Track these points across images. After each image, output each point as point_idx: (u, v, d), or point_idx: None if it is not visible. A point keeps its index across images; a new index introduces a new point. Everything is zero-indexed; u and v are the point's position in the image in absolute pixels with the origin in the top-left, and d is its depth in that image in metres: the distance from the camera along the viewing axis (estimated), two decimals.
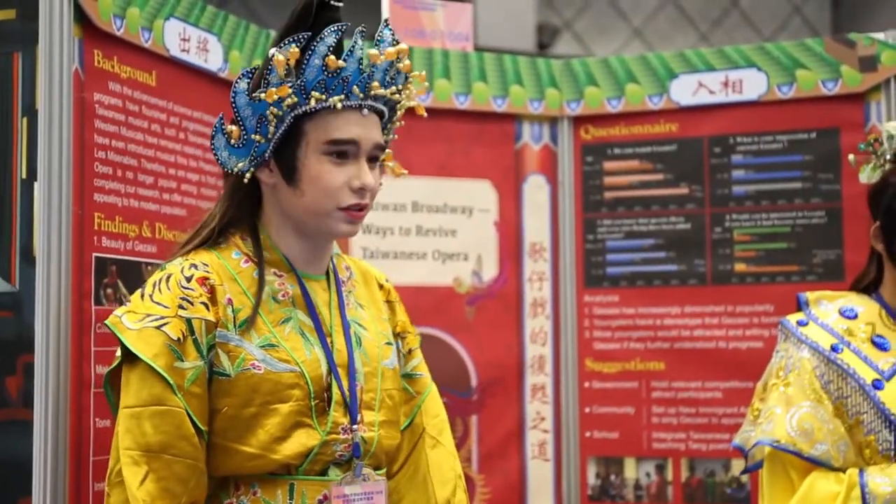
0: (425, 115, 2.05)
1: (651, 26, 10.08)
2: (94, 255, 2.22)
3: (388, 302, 2.12)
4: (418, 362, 2.13)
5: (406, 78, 1.96)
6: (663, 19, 10.13)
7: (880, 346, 2.33)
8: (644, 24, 10.06)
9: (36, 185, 2.12)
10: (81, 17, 2.22)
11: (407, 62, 1.94)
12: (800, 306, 2.44)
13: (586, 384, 3.28)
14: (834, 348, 2.32)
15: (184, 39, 2.54)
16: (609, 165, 3.33)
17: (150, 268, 2.37)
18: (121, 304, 2.27)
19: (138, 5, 2.38)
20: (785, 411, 2.30)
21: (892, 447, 2.25)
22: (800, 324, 2.39)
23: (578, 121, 3.36)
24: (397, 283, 2.59)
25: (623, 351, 3.26)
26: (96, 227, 2.24)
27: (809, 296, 2.44)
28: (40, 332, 2.09)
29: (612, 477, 3.24)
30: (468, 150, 3.26)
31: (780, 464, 2.30)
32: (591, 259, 3.32)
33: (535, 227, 3.32)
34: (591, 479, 3.26)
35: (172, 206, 2.48)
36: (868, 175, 2.42)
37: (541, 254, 3.31)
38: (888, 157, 2.39)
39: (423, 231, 3.20)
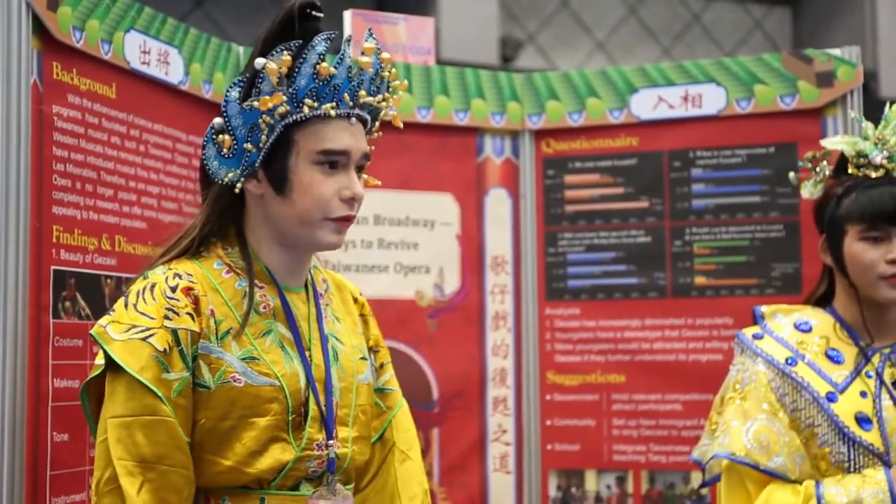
0: (401, 126, 2.04)
1: (614, 40, 10.15)
2: (53, 268, 2.21)
3: (362, 315, 2.11)
4: (390, 377, 2.13)
5: (389, 86, 1.96)
6: (626, 33, 10.20)
7: (834, 359, 2.35)
8: (607, 37, 10.12)
9: None
10: (40, 28, 2.20)
11: (393, 70, 1.95)
12: (755, 320, 2.46)
13: (547, 397, 3.29)
14: (789, 361, 2.34)
15: (144, 52, 2.54)
16: (570, 179, 3.35)
17: (109, 281, 2.36)
18: (79, 317, 2.26)
19: (98, 17, 2.37)
20: (741, 424, 2.32)
21: (846, 459, 2.27)
22: (755, 337, 2.41)
23: (540, 134, 3.37)
24: None
25: (584, 363, 3.28)
26: (55, 240, 2.22)
27: (765, 309, 2.46)
28: None
29: (573, 489, 3.25)
30: (430, 163, 3.27)
31: (738, 476, 2.32)
32: (552, 272, 3.33)
33: (497, 241, 3.33)
34: (553, 491, 3.27)
35: (132, 218, 2.47)
36: (810, 191, 2.46)
37: (502, 267, 3.32)
38: (827, 172, 2.42)
39: (385, 244, 3.20)
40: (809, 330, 2.39)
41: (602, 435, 3.25)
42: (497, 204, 3.34)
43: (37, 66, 2.20)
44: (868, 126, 2.42)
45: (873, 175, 2.35)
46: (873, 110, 2.64)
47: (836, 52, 3.14)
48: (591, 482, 3.24)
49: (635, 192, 3.30)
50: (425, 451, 3.16)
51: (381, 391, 2.10)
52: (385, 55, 1.93)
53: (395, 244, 3.21)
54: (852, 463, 2.27)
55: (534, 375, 3.30)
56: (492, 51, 8.78)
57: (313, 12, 1.89)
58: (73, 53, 2.30)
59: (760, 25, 10.80)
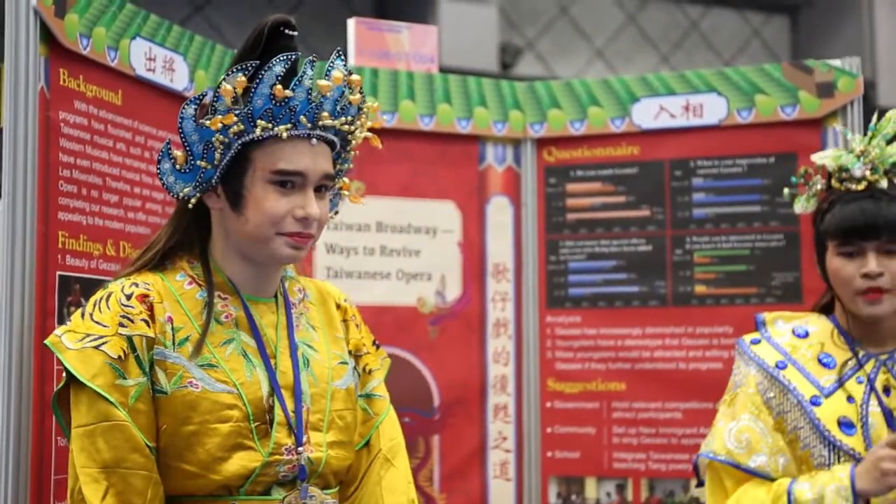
0: (380, 146, 2.06)
1: (613, 47, 10.17)
2: (58, 273, 2.22)
3: (345, 321, 2.12)
4: (377, 383, 2.14)
5: (359, 109, 1.97)
6: (625, 40, 10.22)
7: (825, 364, 2.37)
8: (606, 44, 10.15)
9: (0, 202, 2.12)
10: (47, 35, 2.22)
11: (357, 95, 1.95)
12: (756, 326, 2.48)
13: (548, 404, 3.31)
14: (778, 365, 2.37)
15: (150, 59, 2.55)
16: (572, 187, 3.37)
17: None
18: None
19: (105, 25, 2.38)
20: (726, 425, 2.37)
21: (827, 462, 2.29)
22: (752, 342, 2.45)
23: (542, 143, 3.39)
24: (361, 302, 2.61)
25: (584, 371, 3.29)
26: (60, 246, 2.24)
27: (766, 316, 2.49)
28: (2, 351, 2.09)
29: (573, 497, 3.26)
30: (432, 171, 3.28)
31: (718, 475, 2.37)
32: (553, 280, 3.34)
33: (499, 248, 3.34)
34: (553, 498, 3.28)
35: (137, 224, 2.48)
36: (803, 205, 2.47)
37: (504, 274, 3.34)
38: (819, 186, 2.44)
39: (387, 251, 3.21)
40: (806, 335, 2.41)
41: (602, 442, 3.26)
42: (498, 212, 3.36)
43: (44, 73, 2.21)
44: (855, 138, 2.43)
45: (854, 188, 2.36)
46: (871, 119, 2.65)
47: (837, 62, 3.16)
48: (591, 490, 3.25)
49: (636, 201, 3.32)
50: (426, 458, 3.18)
51: (367, 397, 2.11)
52: (354, 77, 1.94)
53: (397, 251, 3.22)
54: (832, 466, 2.29)
55: (534, 383, 3.32)
56: (491, 58, 8.80)
57: (286, 30, 1.90)
58: (79, 60, 2.31)
59: (759, 34, 10.83)
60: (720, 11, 10.58)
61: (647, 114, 3.31)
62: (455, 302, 3.28)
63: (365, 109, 1.99)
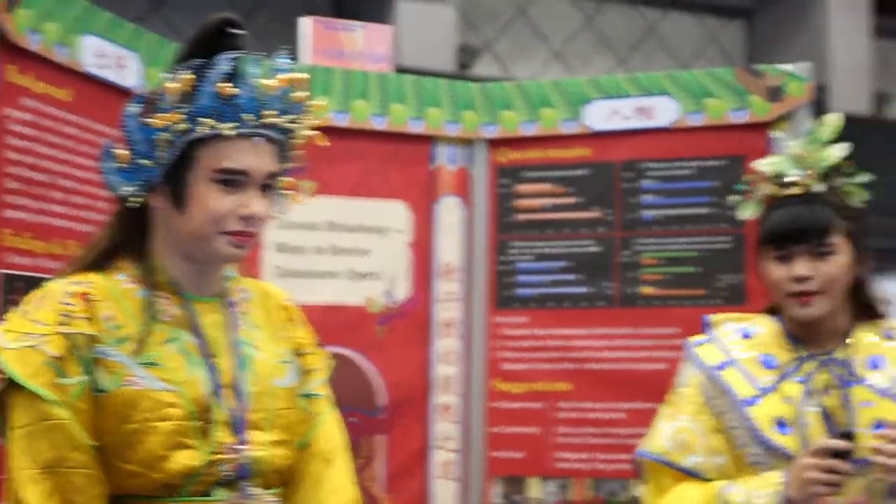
0: (326, 144, 2.06)
1: (571, 49, 10.21)
2: (3, 271, 2.21)
3: (288, 321, 2.13)
4: (319, 383, 2.14)
5: (304, 108, 1.98)
6: (583, 42, 10.27)
7: (767, 364, 2.39)
8: (564, 46, 10.19)
9: None
10: None
11: (303, 93, 1.96)
12: (704, 328, 2.51)
13: (493, 404, 3.32)
14: (720, 366, 2.40)
15: (100, 56, 2.54)
16: (522, 188, 3.39)
17: None
18: None
19: (56, 20, 2.37)
20: (665, 424, 2.40)
21: (762, 462, 2.33)
22: (698, 344, 2.47)
23: (494, 143, 3.40)
24: (310, 302, 2.62)
25: (531, 372, 3.31)
26: (5, 244, 2.22)
27: (715, 318, 2.51)
28: None
29: (516, 497, 3.28)
30: (384, 170, 3.29)
31: (656, 474, 2.39)
32: (502, 280, 3.36)
33: (448, 248, 3.36)
34: (496, 498, 3.29)
35: (84, 223, 2.47)
36: (749, 211, 2.50)
37: (453, 274, 3.35)
38: (763, 193, 2.47)
39: (336, 250, 3.22)
40: (751, 336, 2.44)
41: (547, 443, 3.28)
42: (449, 212, 3.37)
43: None
44: (792, 143, 2.47)
45: (790, 193, 2.40)
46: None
47: (787, 67, 3.20)
48: (535, 489, 3.28)
49: (586, 203, 3.34)
50: (371, 458, 3.19)
51: (308, 396, 2.11)
52: (300, 75, 1.94)
53: (346, 251, 3.23)
54: (766, 466, 2.32)
55: (481, 383, 3.33)
56: (449, 58, 8.81)
57: (232, 29, 1.91)
58: (29, 56, 2.30)
59: (716, 38, 10.92)
60: (678, 15, 10.66)
61: (599, 116, 3.34)
62: (404, 302, 3.29)
63: (310, 108, 2.00)
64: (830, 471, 2.19)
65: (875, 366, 2.37)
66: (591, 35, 10.29)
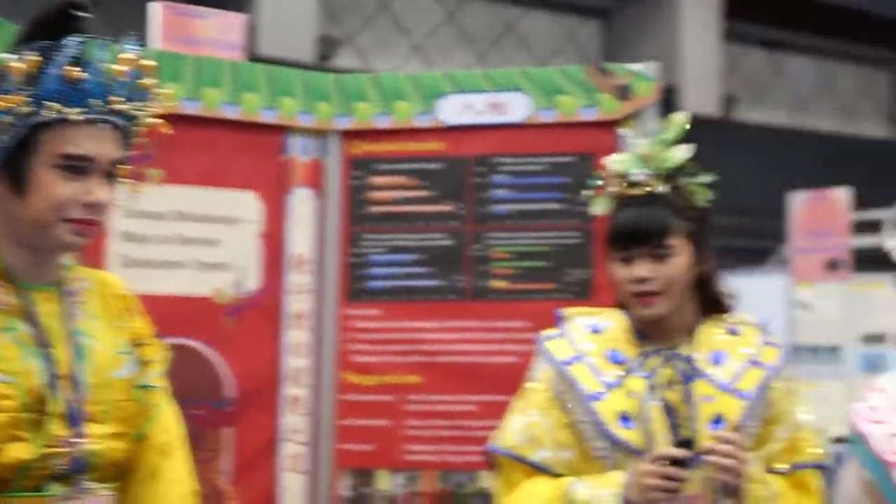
0: (173, 132, 2.02)
1: (431, 43, 10.25)
2: None
3: (126, 311, 2.09)
4: (156, 374, 2.10)
5: (149, 94, 1.94)
6: (444, 37, 10.32)
7: (614, 359, 2.44)
8: (424, 40, 10.22)
9: None
10: None
11: (150, 80, 1.92)
12: (557, 322, 2.55)
13: (343, 396, 3.31)
14: (569, 361, 2.43)
15: None
16: (376, 180, 3.38)
17: None
18: None
19: None
20: (516, 418, 2.43)
21: (607, 456, 2.37)
22: (549, 338, 2.50)
23: (347, 135, 3.38)
24: (155, 292, 2.56)
25: (382, 364, 3.30)
26: None
27: (568, 312, 2.55)
28: None
29: (365, 489, 3.27)
30: (235, 160, 3.24)
31: (507, 468, 2.42)
32: (354, 272, 3.35)
33: (300, 240, 3.32)
34: (344, 491, 3.28)
35: None
36: (601, 207, 2.54)
37: (304, 266, 3.32)
38: (613, 190, 2.52)
39: (184, 240, 3.15)
40: (600, 331, 2.48)
41: (396, 435, 3.28)
42: (301, 203, 3.34)
43: None
44: (639, 143, 2.51)
45: (633, 193, 2.45)
46: None
47: (636, 67, 3.26)
48: (383, 482, 3.27)
49: (439, 196, 3.35)
50: (218, 450, 3.14)
51: (145, 387, 2.07)
52: (146, 62, 1.91)
53: (195, 241, 3.17)
54: (612, 459, 2.37)
55: (331, 375, 3.31)
56: (309, 49, 8.76)
57: (78, 11, 1.86)
58: None
59: (574, 37, 11.09)
60: (537, 13, 10.80)
61: (453, 110, 3.35)
62: (254, 293, 3.25)
63: (158, 95, 1.96)
64: (668, 478, 2.25)
65: (717, 361, 2.43)
66: (451, 30, 10.35)
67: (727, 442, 2.29)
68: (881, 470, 2.45)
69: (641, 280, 2.37)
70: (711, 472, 2.30)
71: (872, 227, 10.62)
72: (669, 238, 2.38)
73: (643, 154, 2.47)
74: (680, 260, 2.39)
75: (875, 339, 9.08)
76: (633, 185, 2.45)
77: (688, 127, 2.52)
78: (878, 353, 9.04)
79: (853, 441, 2.54)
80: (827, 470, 2.49)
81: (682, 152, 2.46)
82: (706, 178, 2.49)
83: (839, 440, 2.81)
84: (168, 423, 2.09)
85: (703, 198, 2.48)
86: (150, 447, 2.05)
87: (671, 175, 2.46)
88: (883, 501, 2.47)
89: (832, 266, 8.91)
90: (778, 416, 2.44)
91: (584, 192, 2.58)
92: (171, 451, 2.06)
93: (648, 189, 2.44)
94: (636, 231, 2.38)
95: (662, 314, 2.41)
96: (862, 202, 9.66)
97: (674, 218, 2.39)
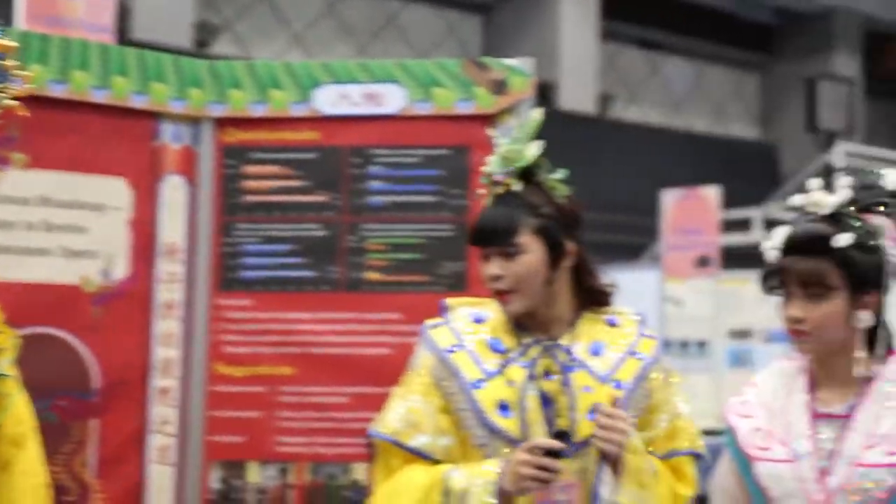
0: (32, 114, 1.96)
1: (312, 34, 10.18)
2: None
3: None
4: (6, 362, 2.05)
5: (8, 75, 1.88)
6: (324, 28, 10.26)
7: (494, 348, 2.47)
8: (304, 30, 10.15)
9: None
10: None
11: (9, 61, 1.86)
12: (441, 311, 2.56)
13: (214, 388, 3.25)
14: (450, 349, 2.46)
15: None
16: (250, 169, 3.33)
17: None
18: None
19: None
20: (397, 405, 2.45)
21: (485, 444, 2.40)
22: (432, 326, 2.53)
23: (221, 123, 3.33)
24: (18, 279, 2.48)
25: (254, 355, 3.26)
26: None
27: (451, 302, 2.58)
28: None
29: (235, 481, 3.23)
30: (104, 145, 3.16)
31: (385, 454, 2.43)
32: (226, 262, 3.30)
33: (171, 228, 3.26)
34: (214, 483, 3.23)
35: None
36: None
37: (175, 255, 3.26)
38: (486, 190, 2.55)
39: (50, 227, 3.06)
40: (482, 321, 2.51)
41: (268, 426, 3.24)
42: (173, 191, 3.27)
43: None
44: (501, 141, 2.54)
45: (496, 192, 2.48)
46: (553, 121, 2.77)
47: (512, 62, 3.28)
48: (254, 474, 3.23)
49: (314, 186, 3.32)
50: (82, 442, 3.06)
51: None
52: (6, 42, 1.86)
53: (61, 227, 3.08)
54: (489, 447, 2.40)
55: (202, 366, 3.26)
56: (185, 35, 8.62)
57: None
58: None
59: (455, 31, 11.14)
60: (418, 6, 10.81)
61: (329, 100, 3.33)
62: (122, 281, 3.17)
63: (18, 76, 1.90)
64: (542, 468, 2.28)
65: (596, 352, 2.48)
66: (332, 21, 10.29)
67: (608, 415, 2.34)
68: (744, 463, 2.52)
69: (494, 278, 2.41)
70: (595, 443, 2.34)
71: (741, 225, 10.92)
72: (517, 236, 2.41)
73: (503, 153, 2.51)
74: (528, 257, 2.42)
75: (742, 334, 9.33)
76: (494, 184, 2.49)
77: (559, 121, 2.55)
78: (745, 349, 9.29)
79: (726, 433, 2.61)
80: (701, 460, 2.55)
81: (535, 149, 2.49)
82: (561, 174, 2.53)
83: (707, 433, 2.87)
84: (21, 414, 2.04)
85: (560, 193, 2.51)
86: (1, 438, 1.99)
87: (527, 172, 2.48)
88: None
89: (702, 263, 9.12)
90: (657, 405, 2.50)
91: (478, 192, 2.60)
92: (24, 441, 2.01)
93: (506, 187, 2.47)
94: (485, 230, 2.43)
95: (520, 310, 2.45)
96: (731, 201, 9.91)
97: (524, 216, 2.42)
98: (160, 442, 3.19)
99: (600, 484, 2.34)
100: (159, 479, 3.18)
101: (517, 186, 2.46)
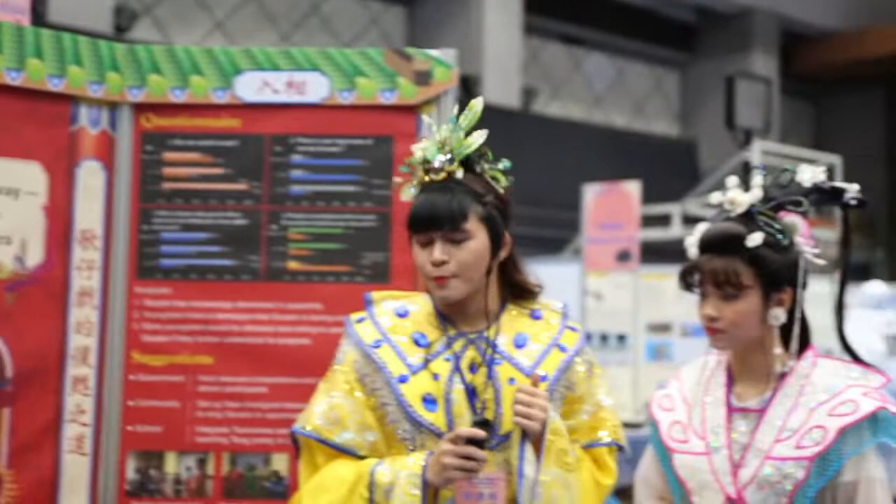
0: None
1: (234, 21, 10.08)
2: None
3: None
4: None
5: None
6: (246, 15, 10.17)
7: (418, 342, 2.47)
8: (226, 17, 10.04)
9: None
10: None
11: None
12: (365, 305, 2.55)
13: (131, 377, 3.21)
14: (375, 344, 2.45)
15: None
16: (169, 156, 3.28)
17: None
18: None
19: None
20: (320, 400, 2.44)
21: (410, 437, 2.40)
22: (357, 321, 2.52)
23: (140, 108, 3.28)
24: None
25: (172, 344, 3.22)
26: None
27: (375, 295, 2.57)
28: None
29: (152, 471, 3.19)
30: (18, 129, 3.09)
31: (311, 450, 2.42)
32: (144, 250, 3.25)
33: (88, 214, 3.20)
34: (130, 473, 3.18)
35: None
36: (409, 194, 2.56)
37: (92, 242, 3.20)
38: (417, 177, 2.54)
39: None
40: (406, 315, 2.50)
41: (185, 416, 3.20)
42: (90, 176, 3.21)
43: None
44: (439, 129, 2.55)
45: (434, 179, 2.48)
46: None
47: (435, 52, 3.28)
48: (172, 464, 3.19)
49: (235, 174, 3.29)
50: None
51: None
52: None
53: None
54: (415, 441, 2.40)
55: (118, 355, 3.21)
56: (105, 19, 8.48)
57: None
58: None
59: (377, 22, 11.10)
60: None
61: (250, 87, 3.29)
62: (36, 268, 3.11)
63: None
64: (466, 457, 2.28)
65: (521, 345, 2.49)
66: (254, 9, 10.19)
67: (529, 393, 2.35)
68: (665, 455, 2.56)
69: (438, 263, 2.40)
70: (514, 419, 2.35)
71: (661, 220, 11.05)
72: (465, 222, 2.41)
73: (442, 140, 2.51)
74: (474, 244, 2.43)
75: (661, 328, 9.45)
76: (432, 170, 2.48)
77: (482, 113, 2.56)
78: (664, 342, 9.41)
79: (650, 426, 2.64)
80: (622, 451, 2.57)
81: (479, 137, 2.51)
82: (504, 164, 2.54)
83: (625, 425, 2.90)
84: None
85: (501, 184, 2.52)
86: None
87: (469, 160, 2.50)
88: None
89: (622, 257, 9.21)
90: (580, 396, 2.51)
91: (396, 179, 2.59)
92: None
93: (446, 174, 2.47)
94: (432, 215, 2.42)
95: (458, 297, 2.45)
96: (651, 196, 10.03)
97: (471, 202, 2.43)
98: (75, 431, 3.13)
99: (523, 462, 2.35)
100: (74, 469, 3.12)
101: (459, 174, 2.46)
